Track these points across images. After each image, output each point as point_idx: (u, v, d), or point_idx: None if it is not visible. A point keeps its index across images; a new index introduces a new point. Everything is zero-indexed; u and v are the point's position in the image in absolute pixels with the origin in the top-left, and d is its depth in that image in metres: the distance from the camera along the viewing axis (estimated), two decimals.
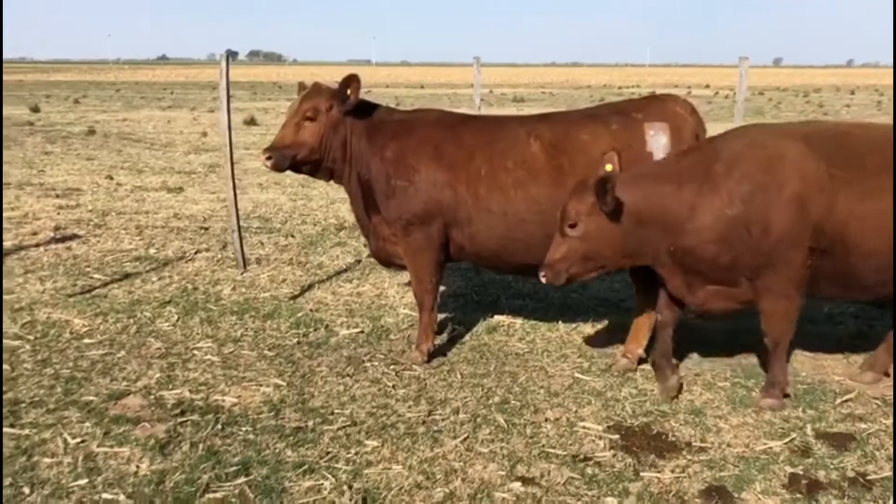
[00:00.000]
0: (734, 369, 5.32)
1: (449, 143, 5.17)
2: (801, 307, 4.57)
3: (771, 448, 4.25)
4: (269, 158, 5.21)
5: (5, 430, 4.34)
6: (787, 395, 4.80)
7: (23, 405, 4.65)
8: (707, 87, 56.16)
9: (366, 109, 5.42)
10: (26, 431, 4.32)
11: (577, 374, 5.23)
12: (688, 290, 4.66)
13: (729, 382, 5.11)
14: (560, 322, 6.21)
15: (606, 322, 6.22)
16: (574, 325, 6.17)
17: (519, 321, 6.25)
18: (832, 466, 4.07)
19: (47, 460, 4.02)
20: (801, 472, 4.01)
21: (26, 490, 3.73)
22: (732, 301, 4.63)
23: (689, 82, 65.27)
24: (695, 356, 5.54)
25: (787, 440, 4.33)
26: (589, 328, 6.11)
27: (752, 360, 5.47)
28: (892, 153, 4.34)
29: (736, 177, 4.32)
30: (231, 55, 8.04)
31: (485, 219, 5.08)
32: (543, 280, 4.55)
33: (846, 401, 4.82)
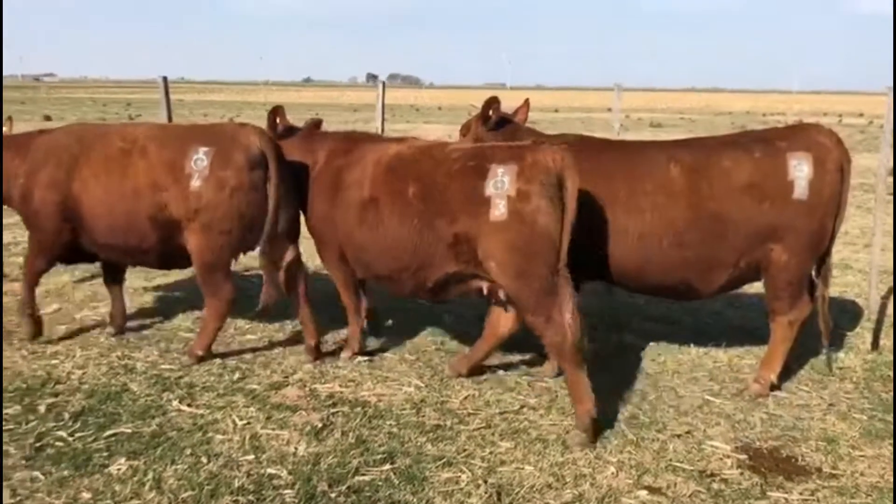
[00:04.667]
0: (871, 401, 5.25)
1: (588, 165, 5.40)
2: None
3: None
4: None
5: (184, 408, 4.94)
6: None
7: (197, 388, 5.26)
8: (861, 115, 53.05)
9: (512, 130, 5.83)
10: (201, 411, 4.91)
11: (707, 397, 5.32)
12: None
13: (866, 415, 5.06)
14: (692, 346, 6.28)
15: (739, 348, 6.23)
16: (706, 350, 6.22)
17: (650, 343, 6.36)
18: None
19: (220, 437, 4.56)
20: None
21: (204, 459, 4.28)
22: None
23: (841, 110, 61.89)
24: (831, 386, 5.50)
25: None
26: (721, 353, 6.15)
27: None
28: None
29: (34, 156, 5.72)
30: (371, 78, 8.63)
31: (621, 241, 5.26)
32: None
33: None
